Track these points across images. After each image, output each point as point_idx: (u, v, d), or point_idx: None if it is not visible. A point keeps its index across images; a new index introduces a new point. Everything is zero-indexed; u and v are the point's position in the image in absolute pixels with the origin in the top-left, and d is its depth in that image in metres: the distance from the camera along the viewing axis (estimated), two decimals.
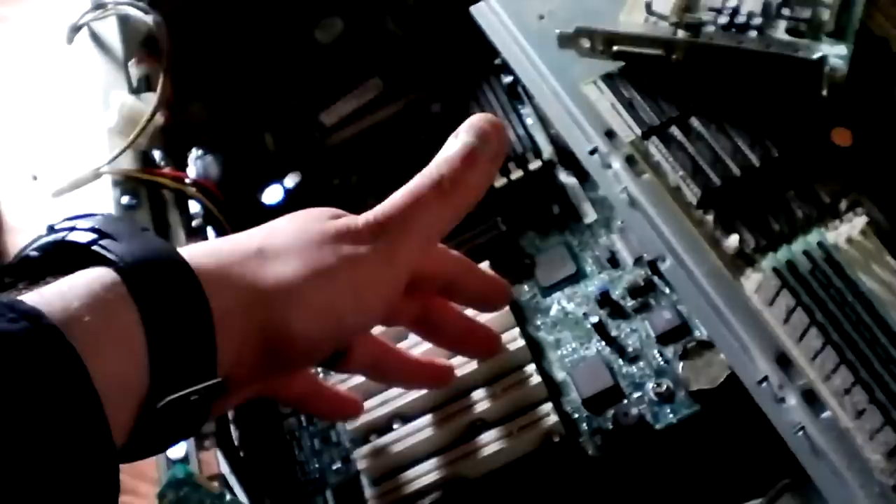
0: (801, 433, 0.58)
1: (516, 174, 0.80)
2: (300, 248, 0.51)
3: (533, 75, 0.75)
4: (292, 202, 0.86)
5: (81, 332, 0.40)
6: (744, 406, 0.60)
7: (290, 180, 0.86)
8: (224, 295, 0.46)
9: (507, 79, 0.87)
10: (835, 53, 0.65)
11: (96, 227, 0.46)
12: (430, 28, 0.92)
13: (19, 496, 0.36)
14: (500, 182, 0.80)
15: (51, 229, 0.47)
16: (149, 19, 0.87)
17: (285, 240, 0.51)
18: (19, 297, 0.40)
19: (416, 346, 0.69)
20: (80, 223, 0.47)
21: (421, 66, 0.92)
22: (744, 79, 0.67)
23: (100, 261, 0.44)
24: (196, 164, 0.90)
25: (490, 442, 0.66)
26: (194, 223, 0.85)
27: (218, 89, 0.94)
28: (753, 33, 0.67)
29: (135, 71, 0.91)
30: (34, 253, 0.46)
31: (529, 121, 0.85)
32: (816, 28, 0.67)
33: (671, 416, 0.67)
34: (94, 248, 0.45)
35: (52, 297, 0.41)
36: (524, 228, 0.79)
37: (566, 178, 0.80)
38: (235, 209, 0.86)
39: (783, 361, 0.60)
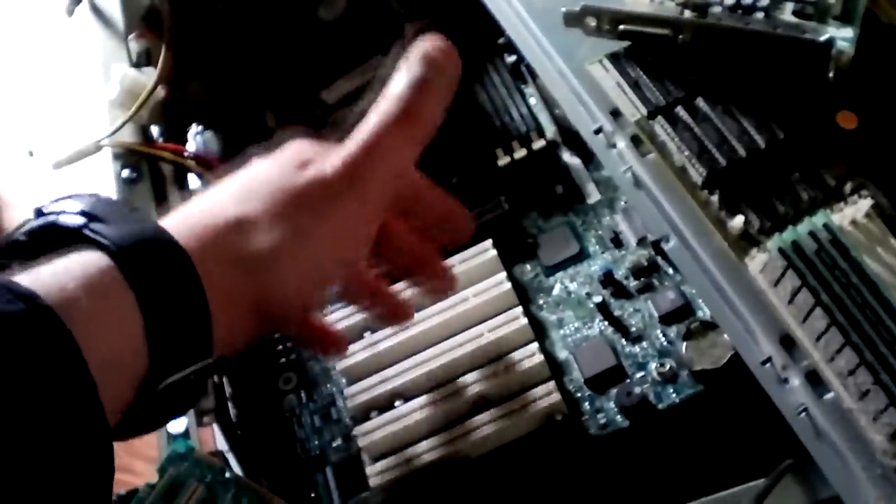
0: (803, 414, 0.58)
1: (520, 153, 0.80)
2: (276, 212, 0.51)
3: (538, 54, 0.75)
4: None
5: (77, 314, 0.40)
6: (747, 387, 0.60)
7: None
8: (213, 273, 0.46)
9: (511, 58, 0.87)
10: (841, 37, 0.65)
11: (86, 209, 0.46)
12: (434, 6, 0.92)
13: (12, 476, 0.36)
14: (503, 161, 0.80)
15: (38, 212, 0.47)
16: None
17: (260, 204, 0.51)
18: (15, 279, 0.40)
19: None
20: (68, 206, 0.47)
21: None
22: (750, 60, 0.67)
23: (90, 244, 0.45)
24: (196, 139, 0.89)
25: (492, 420, 0.66)
26: None
27: (219, 66, 0.94)
28: (760, 15, 0.67)
29: (135, 45, 0.92)
30: (22, 237, 0.46)
31: (533, 100, 0.85)
32: (823, 11, 0.67)
33: (674, 396, 0.67)
34: (85, 231, 0.45)
35: (47, 279, 0.41)
36: (527, 208, 0.79)
37: (570, 158, 0.80)
38: None
39: (787, 342, 0.60)
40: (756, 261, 0.61)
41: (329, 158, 0.54)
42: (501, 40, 0.86)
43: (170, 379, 0.44)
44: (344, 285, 0.60)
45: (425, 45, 0.58)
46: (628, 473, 0.65)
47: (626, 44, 0.71)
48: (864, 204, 0.62)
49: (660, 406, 0.67)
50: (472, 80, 0.87)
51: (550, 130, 0.82)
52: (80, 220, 0.45)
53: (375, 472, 0.67)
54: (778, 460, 0.61)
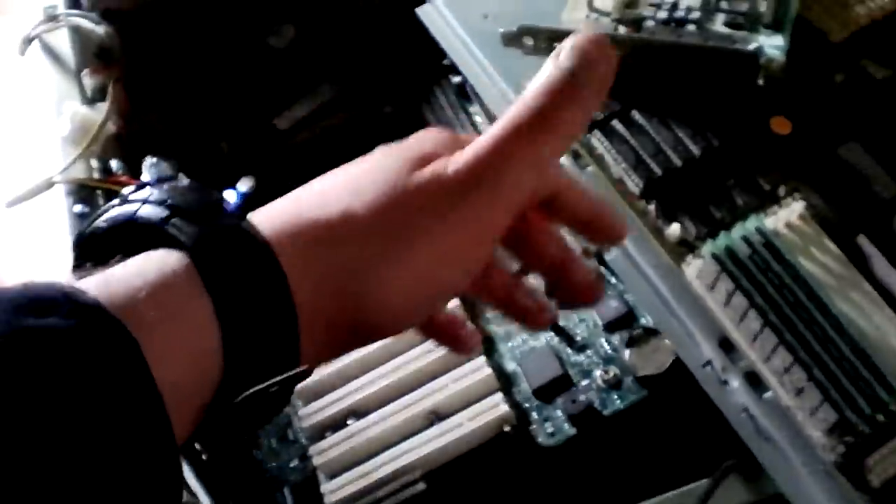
0: (744, 414, 0.60)
1: None
2: (386, 217, 0.43)
3: (479, 75, 0.76)
4: (247, 207, 0.86)
5: (148, 324, 0.37)
6: (690, 390, 0.62)
7: (244, 185, 0.87)
8: (307, 278, 0.41)
9: (457, 79, 0.88)
10: (772, 44, 0.67)
11: (169, 201, 0.41)
12: (381, 31, 0.93)
13: (79, 498, 0.34)
14: None
15: (124, 199, 0.43)
16: (100, 30, 0.88)
17: (370, 206, 0.43)
18: (82, 285, 0.37)
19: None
20: (152, 195, 0.42)
21: (373, 69, 0.93)
22: (685, 72, 0.69)
23: (169, 241, 0.40)
24: (151, 171, 0.90)
25: (443, 434, 0.67)
26: None
27: (174, 97, 0.95)
28: (692, 27, 0.69)
29: (89, 81, 0.92)
30: (103, 224, 0.42)
31: (479, 119, 0.86)
32: (754, 20, 0.69)
33: (619, 402, 0.69)
34: (166, 228, 0.40)
35: (118, 284, 0.38)
36: None
37: None
38: None
39: (726, 345, 0.61)
40: (692, 267, 0.63)
41: (453, 158, 0.45)
42: (447, 61, 0.87)
43: (247, 392, 0.40)
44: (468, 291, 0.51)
45: (579, 39, 0.47)
46: (578, 480, 0.67)
47: None
48: (798, 206, 0.63)
49: (605, 412, 0.68)
50: (420, 100, 0.88)
51: None
52: (163, 214, 0.41)
53: (331, 490, 0.68)
54: (723, 460, 0.62)
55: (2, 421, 0.32)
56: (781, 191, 0.65)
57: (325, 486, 0.68)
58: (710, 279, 0.61)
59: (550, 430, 0.68)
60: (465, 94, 0.88)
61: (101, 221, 0.42)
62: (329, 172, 0.47)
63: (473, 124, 0.85)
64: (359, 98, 0.91)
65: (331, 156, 0.87)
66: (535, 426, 0.68)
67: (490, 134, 0.45)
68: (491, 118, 0.84)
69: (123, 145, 0.92)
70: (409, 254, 0.43)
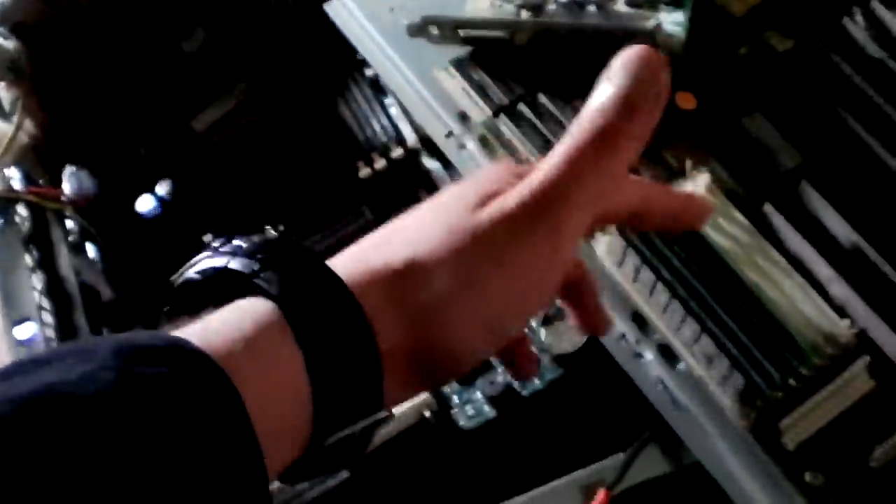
0: (659, 386, 0.61)
1: (380, 164, 0.82)
2: (449, 255, 0.43)
3: (387, 66, 0.77)
4: (167, 210, 0.87)
5: (246, 376, 0.37)
6: (606, 365, 0.62)
7: (162, 188, 0.87)
8: (385, 325, 0.42)
9: (370, 71, 0.88)
10: (671, 21, 0.68)
11: (258, 254, 0.42)
12: (293, 29, 0.94)
13: None
14: (364, 172, 0.82)
15: (215, 250, 0.44)
16: (10, 45, 0.87)
17: (434, 246, 0.44)
18: (183, 334, 0.38)
19: None
20: (242, 246, 0.43)
21: (286, 66, 0.93)
22: (587, 54, 0.69)
23: (260, 293, 0.41)
24: (70, 180, 0.90)
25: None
26: (71, 238, 0.86)
27: (90, 106, 0.95)
28: (593, 8, 0.70)
29: (5, 94, 0.92)
30: (195, 276, 0.43)
31: (394, 111, 0.86)
32: None
33: (537, 381, 0.69)
34: (256, 281, 0.41)
35: (216, 336, 0.39)
36: (391, 216, 0.80)
37: (430, 163, 0.82)
38: (111, 221, 0.87)
39: (638, 319, 0.62)
40: (601, 244, 0.63)
41: (515, 190, 0.45)
42: (360, 56, 0.87)
43: (337, 436, 0.41)
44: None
45: (627, 54, 0.48)
46: (500, 461, 0.67)
47: (468, 49, 0.73)
48: (703, 179, 0.64)
49: (524, 392, 0.69)
50: (335, 95, 0.89)
51: (411, 139, 0.84)
52: (253, 266, 0.42)
53: None
54: (642, 433, 0.63)
55: (116, 464, 0.33)
56: (688, 165, 0.66)
57: None
58: (617, 255, 0.62)
59: (471, 412, 0.69)
60: (379, 87, 0.88)
61: (192, 272, 0.43)
62: (400, 216, 0.48)
63: (389, 116, 0.86)
64: (274, 97, 0.92)
65: (248, 155, 0.88)
66: (455, 410, 0.69)
67: (550, 159, 0.45)
68: (405, 110, 0.85)
69: (42, 156, 0.92)
70: (480, 294, 0.44)
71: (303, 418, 0.40)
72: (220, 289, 0.42)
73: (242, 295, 0.41)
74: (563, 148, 0.45)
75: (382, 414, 0.42)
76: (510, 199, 0.45)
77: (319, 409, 0.40)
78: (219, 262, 0.43)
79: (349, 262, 0.44)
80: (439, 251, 0.44)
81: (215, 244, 0.44)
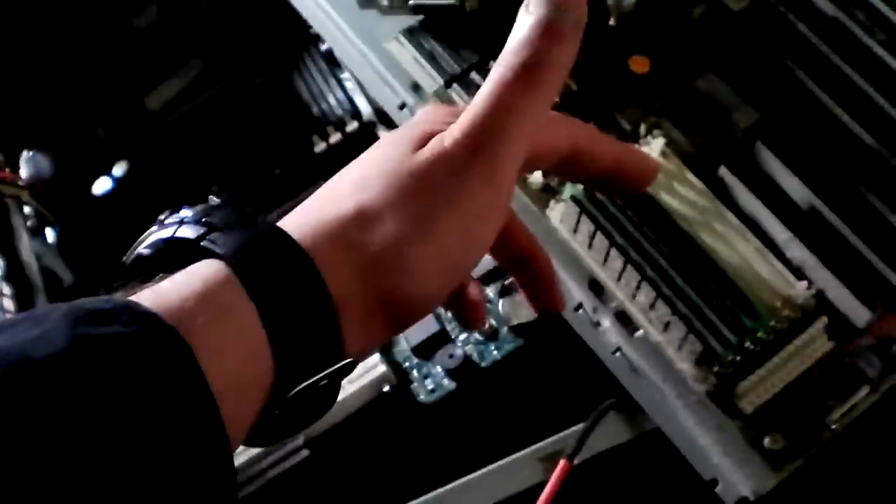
0: (618, 353, 0.60)
1: (335, 138, 0.82)
2: (396, 200, 0.44)
3: (339, 38, 0.76)
4: (122, 190, 0.86)
5: (199, 332, 0.38)
6: (564, 334, 0.62)
7: (119, 169, 0.87)
8: (339, 273, 0.42)
9: (325, 45, 0.88)
10: None
11: (204, 219, 0.43)
12: (245, 3, 0.93)
13: (139, 492, 0.35)
14: (320, 147, 0.82)
15: (161, 223, 0.44)
16: None
17: (378, 192, 0.44)
18: (135, 299, 0.39)
19: None
20: (188, 216, 0.44)
21: (239, 42, 0.92)
22: None
23: (211, 254, 0.42)
24: (28, 163, 0.89)
25: None
26: (29, 223, 0.85)
27: (45, 87, 0.94)
28: None
29: None
30: (146, 251, 0.44)
31: (349, 84, 0.86)
32: None
33: (496, 352, 0.69)
34: (204, 243, 0.42)
35: (168, 296, 0.39)
36: None
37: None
38: (69, 204, 0.86)
39: (595, 287, 0.62)
40: (555, 211, 0.63)
41: (449, 130, 0.45)
42: (313, 30, 0.87)
43: (299, 387, 0.41)
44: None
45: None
46: (461, 434, 0.67)
47: (420, 18, 0.72)
48: (658, 143, 0.63)
49: (483, 364, 0.68)
50: (290, 69, 0.88)
51: (366, 112, 0.83)
52: (199, 231, 0.43)
53: None
54: (602, 401, 0.63)
55: (67, 423, 0.34)
56: (642, 129, 0.66)
57: None
58: (571, 222, 0.61)
59: (431, 386, 0.68)
60: (334, 60, 0.87)
61: (143, 248, 0.44)
62: (343, 169, 0.48)
63: (344, 90, 0.85)
64: (228, 72, 0.91)
65: (204, 132, 0.87)
66: (415, 384, 0.69)
67: (480, 97, 0.45)
68: (360, 83, 0.84)
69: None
70: (430, 234, 0.44)
71: (262, 370, 0.40)
72: (171, 260, 0.43)
73: (194, 261, 0.42)
74: (490, 84, 0.46)
75: (344, 362, 0.42)
76: (446, 137, 0.45)
77: (279, 359, 0.40)
78: (166, 233, 0.43)
79: (297, 218, 0.45)
80: (384, 195, 0.44)
81: (161, 217, 0.45)
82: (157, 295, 0.39)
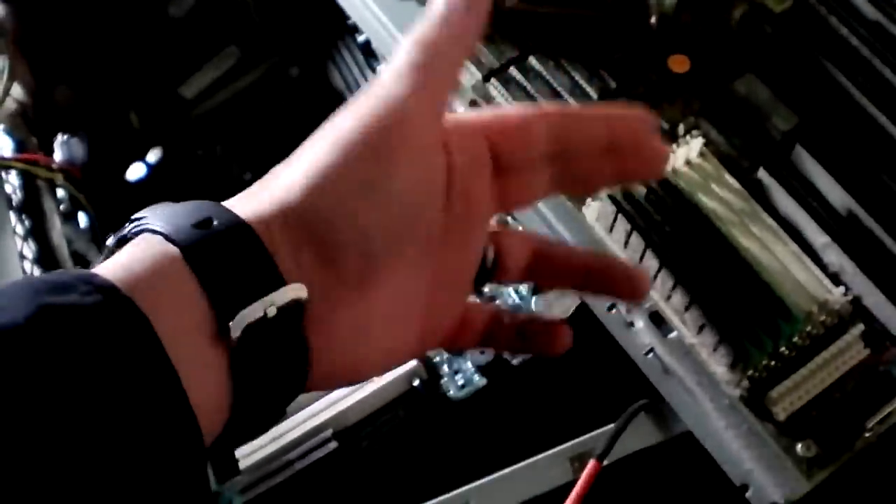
0: (651, 354, 0.60)
1: None
2: (340, 166, 0.45)
3: (378, 30, 0.75)
4: (156, 177, 0.86)
5: (147, 295, 0.40)
6: (597, 333, 0.62)
7: (153, 156, 0.87)
8: (257, 211, 0.44)
9: (362, 37, 0.87)
10: None
11: (138, 216, 0.44)
12: None
13: (98, 470, 0.37)
14: None
15: (130, 220, 0.45)
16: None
17: (322, 160, 0.45)
18: (94, 271, 0.40)
19: None
20: (138, 213, 0.45)
21: (276, 31, 0.92)
22: (578, 15, 0.68)
23: (155, 233, 0.43)
24: (62, 147, 0.90)
25: (354, 391, 0.67)
26: (62, 207, 0.85)
27: (80, 72, 0.94)
28: None
29: None
30: (113, 245, 0.45)
31: None
32: None
33: None
34: (137, 229, 0.43)
35: (118, 267, 0.41)
36: None
37: None
38: (102, 190, 0.86)
39: None
40: (591, 209, 0.63)
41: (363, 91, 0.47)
42: (351, 21, 0.86)
43: (241, 311, 0.41)
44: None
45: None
46: (491, 431, 0.67)
47: None
48: (697, 143, 0.63)
49: (514, 361, 0.68)
50: (325, 61, 0.88)
51: None
52: (134, 226, 0.44)
53: (245, 454, 0.67)
54: (633, 402, 0.62)
55: (36, 393, 0.36)
56: (681, 129, 0.65)
57: (239, 450, 0.67)
58: (608, 221, 0.61)
59: (461, 382, 0.68)
60: (371, 52, 0.87)
61: (111, 243, 0.45)
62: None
63: None
64: (264, 62, 0.91)
65: (238, 121, 0.87)
66: (445, 379, 0.68)
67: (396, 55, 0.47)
68: None
69: (32, 123, 0.91)
70: (330, 161, 0.44)
71: (201, 313, 0.41)
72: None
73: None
74: (393, 63, 0.47)
75: (287, 287, 0.42)
76: (360, 95, 0.46)
77: (210, 293, 0.41)
78: (122, 232, 0.45)
79: (244, 193, 0.46)
80: (329, 162, 0.45)
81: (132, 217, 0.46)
82: (112, 268, 0.41)
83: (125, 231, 0.44)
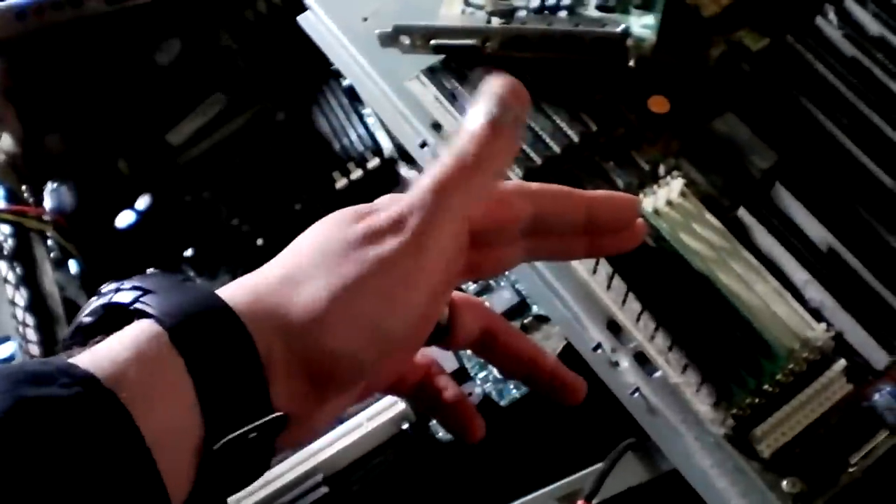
0: (636, 394, 0.60)
1: (356, 174, 0.83)
2: (324, 264, 0.46)
3: (361, 76, 0.76)
4: (145, 223, 0.87)
5: (131, 388, 0.40)
6: (582, 374, 0.62)
7: (142, 203, 0.87)
8: (265, 329, 0.44)
9: (347, 81, 0.88)
10: (642, 24, 0.68)
11: (137, 285, 0.45)
12: (267, 39, 0.93)
13: None
14: (341, 183, 0.82)
15: (99, 293, 0.46)
16: None
17: (310, 259, 0.47)
18: (73, 361, 0.40)
19: None
20: (124, 284, 0.46)
21: (261, 78, 0.93)
22: (557, 59, 0.69)
23: (142, 316, 0.43)
24: (52, 195, 0.90)
25: (344, 435, 0.67)
26: (52, 255, 0.86)
27: (70, 120, 0.95)
28: (564, 13, 0.69)
29: None
30: (87, 319, 0.46)
31: (371, 120, 0.86)
32: (626, 2, 0.69)
33: (514, 391, 0.69)
34: (136, 305, 0.44)
35: (102, 357, 0.41)
36: None
37: (407, 172, 0.82)
38: (92, 237, 0.87)
39: (613, 327, 0.62)
40: None
41: (385, 208, 0.48)
42: (334, 66, 0.87)
43: (227, 437, 0.42)
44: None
45: (493, 85, 0.52)
46: (479, 473, 0.67)
47: (441, 58, 0.73)
48: (677, 183, 0.64)
49: (502, 402, 0.68)
50: (311, 105, 0.88)
51: (388, 148, 0.83)
52: (133, 295, 0.44)
53: (237, 500, 0.67)
54: (619, 442, 0.63)
55: (10, 487, 0.35)
56: (661, 169, 0.66)
57: (231, 497, 0.67)
58: (591, 263, 0.62)
59: None
60: (356, 95, 0.88)
61: (84, 316, 0.45)
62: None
63: (365, 125, 0.86)
64: (250, 108, 0.91)
65: (226, 167, 0.88)
66: (434, 422, 0.69)
67: (420, 182, 0.48)
68: (381, 119, 0.85)
69: (21, 171, 0.92)
70: (350, 293, 0.45)
71: (194, 422, 0.41)
72: (111, 325, 0.44)
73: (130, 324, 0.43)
74: (433, 170, 0.48)
75: (272, 416, 0.43)
76: (381, 215, 0.47)
77: (205, 410, 0.42)
78: (103, 300, 0.45)
79: (233, 284, 0.46)
80: (312, 259, 0.46)
81: (101, 289, 0.46)
82: (94, 356, 0.41)
83: (123, 300, 0.44)
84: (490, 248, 0.51)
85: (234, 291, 0.45)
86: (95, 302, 0.46)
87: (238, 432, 0.42)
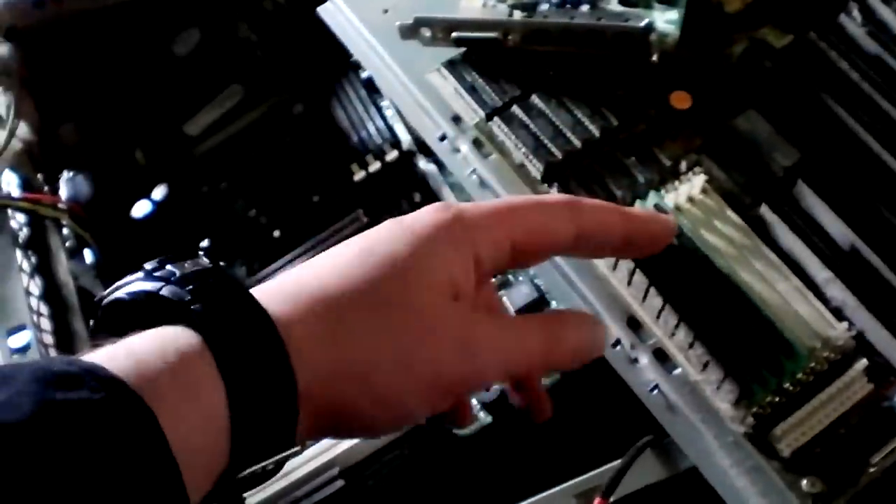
0: (655, 391, 0.60)
1: (374, 166, 0.82)
2: (377, 322, 0.45)
3: (381, 68, 0.76)
4: (161, 214, 0.86)
5: (163, 398, 0.39)
6: (601, 370, 0.62)
7: (158, 193, 0.87)
8: (307, 369, 0.43)
9: (365, 73, 0.88)
10: (665, 19, 0.67)
11: (190, 283, 0.43)
12: (286, 30, 0.93)
13: None
14: (359, 175, 0.82)
15: (148, 274, 0.45)
16: (2, 49, 0.87)
17: (365, 307, 0.46)
18: (102, 359, 0.39)
19: None
20: (175, 274, 0.44)
21: (280, 69, 0.93)
22: (579, 53, 0.69)
23: (187, 322, 0.42)
24: (68, 185, 0.90)
25: None
26: (68, 244, 0.86)
27: (85, 110, 0.95)
28: (586, 7, 0.69)
29: (2, 99, 0.92)
30: (125, 296, 0.44)
31: (389, 112, 0.86)
32: None
33: None
34: (185, 310, 0.43)
35: (141, 361, 0.40)
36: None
37: (426, 165, 0.81)
38: (108, 227, 0.86)
39: (633, 324, 0.61)
40: None
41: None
42: (353, 58, 0.87)
43: (251, 469, 0.43)
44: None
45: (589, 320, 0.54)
46: (496, 468, 0.67)
47: (461, 50, 0.73)
48: (699, 180, 0.63)
49: None
50: (329, 97, 0.88)
51: (406, 141, 0.83)
52: (183, 295, 0.43)
53: (252, 492, 0.67)
54: (638, 439, 0.62)
55: (35, 492, 0.35)
56: (682, 165, 0.66)
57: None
58: (612, 259, 0.61)
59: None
60: (374, 88, 0.87)
61: (122, 293, 0.44)
62: (332, 249, 0.49)
63: (384, 118, 0.85)
64: (267, 99, 0.91)
65: (243, 158, 0.88)
66: None
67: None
68: (399, 112, 0.84)
69: (37, 160, 0.92)
70: (389, 374, 0.45)
71: (221, 447, 0.41)
72: (147, 312, 0.43)
73: (169, 321, 0.43)
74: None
75: (291, 451, 0.44)
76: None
77: (235, 442, 0.41)
78: (150, 286, 0.44)
79: (278, 296, 0.45)
80: (368, 312, 0.45)
81: (148, 267, 0.45)
82: (130, 358, 0.40)
83: (172, 296, 0.43)
84: (526, 262, 0.52)
85: (286, 310, 0.44)
86: (139, 283, 0.44)
87: (261, 465, 0.43)
